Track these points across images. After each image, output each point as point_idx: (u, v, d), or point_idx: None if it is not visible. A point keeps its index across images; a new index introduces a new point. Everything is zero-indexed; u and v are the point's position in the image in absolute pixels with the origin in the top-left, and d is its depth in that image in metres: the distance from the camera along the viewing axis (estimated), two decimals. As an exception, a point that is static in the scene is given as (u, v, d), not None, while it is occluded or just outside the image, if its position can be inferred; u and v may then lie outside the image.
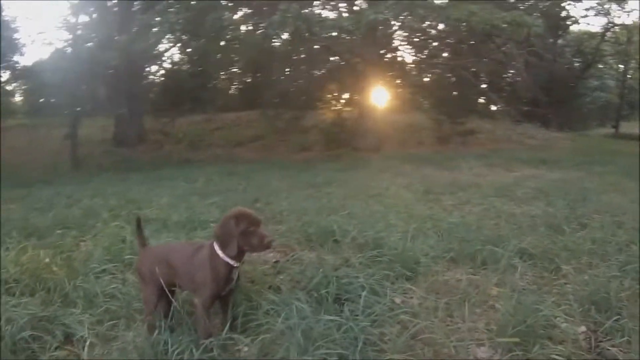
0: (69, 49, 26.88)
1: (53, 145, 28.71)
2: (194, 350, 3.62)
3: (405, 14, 21.53)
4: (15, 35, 38.58)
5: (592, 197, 9.41)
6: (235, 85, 45.18)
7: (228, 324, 3.97)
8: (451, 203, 9.29)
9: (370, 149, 23.96)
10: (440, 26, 25.89)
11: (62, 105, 28.37)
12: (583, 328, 4.01)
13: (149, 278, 4.14)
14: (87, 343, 3.95)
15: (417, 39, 28.84)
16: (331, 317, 3.85)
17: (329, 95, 31.38)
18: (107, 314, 4.52)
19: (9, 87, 46.72)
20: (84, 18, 30.73)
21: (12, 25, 38.83)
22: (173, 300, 4.15)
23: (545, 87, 33.16)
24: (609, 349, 3.73)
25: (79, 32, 27.04)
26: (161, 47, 31.50)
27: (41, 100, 34.74)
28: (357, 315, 3.99)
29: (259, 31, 21.77)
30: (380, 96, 26.60)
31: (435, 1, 22.49)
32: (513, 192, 10.27)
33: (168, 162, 23.84)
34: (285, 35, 22.94)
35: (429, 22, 25.30)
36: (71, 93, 25.35)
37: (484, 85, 30.47)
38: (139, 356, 3.67)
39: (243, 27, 24.77)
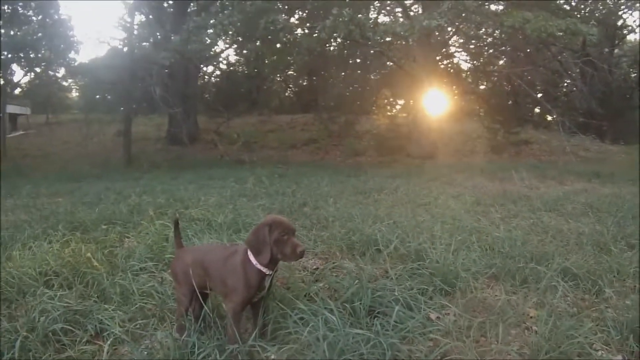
0: (125, 48, 27.19)
1: (106, 142, 29.25)
2: (218, 355, 3.63)
3: (459, 20, 21.40)
4: (72, 33, 39.39)
5: (644, 216, 9.10)
6: (290, 88, 45.30)
7: (257, 331, 3.96)
8: (499, 216, 9.05)
9: (424, 156, 23.89)
10: (496, 33, 25.71)
11: (116, 102, 28.87)
12: (620, 357, 3.87)
13: (182, 279, 4.16)
14: (109, 341, 4.00)
15: (473, 46, 28.68)
16: (360, 331, 3.77)
17: (383, 101, 31.34)
18: (140, 311, 4.60)
19: (64, 83, 47.84)
20: (139, 18, 31.27)
21: (69, 24, 39.70)
22: (204, 303, 4.17)
23: (600, 98, 32.55)
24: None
25: (135, 31, 27.35)
26: (217, 48, 31.82)
27: (97, 97, 35.28)
28: (387, 330, 3.89)
29: (314, 35, 21.70)
30: (435, 103, 26.43)
31: (490, 7, 22.27)
32: (563, 206, 10.01)
33: (220, 162, 24.14)
34: (339, 40, 22.85)
35: (484, 29, 25.23)
36: (125, 91, 25.89)
37: (539, 95, 29.99)
38: (164, 356, 3.69)
39: (298, 31, 24.80)
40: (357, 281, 4.77)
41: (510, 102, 29.32)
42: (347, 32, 18.53)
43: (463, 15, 20.31)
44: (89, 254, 5.79)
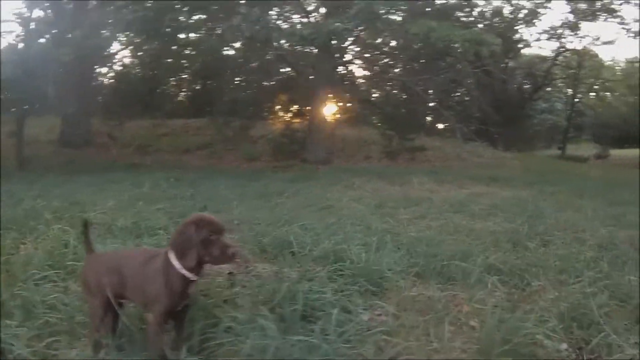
0: (21, 44, 26.23)
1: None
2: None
3: (361, 28, 21.54)
4: None
5: (550, 215, 9.36)
6: (184, 92, 44.78)
7: (184, 345, 3.59)
8: (406, 217, 9.00)
9: (320, 161, 23.79)
10: (393, 42, 26.05)
11: (11, 102, 27.80)
12: (565, 345, 3.86)
13: (95, 289, 3.72)
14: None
15: (369, 54, 28.98)
16: (302, 338, 3.50)
17: (279, 106, 31.41)
18: (47, 327, 4.07)
19: None
20: (38, 13, 30.25)
21: None
22: (121, 314, 3.75)
23: (494, 107, 33.56)
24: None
25: (32, 26, 26.41)
26: (113, 49, 31.19)
27: None
28: (327, 335, 3.63)
29: (213, 37, 21.47)
30: (330, 109, 26.65)
31: (395, 16, 22.48)
32: (468, 207, 10.11)
33: (115, 166, 23.27)
34: (239, 43, 22.73)
35: (382, 38, 25.54)
36: (20, 90, 24.78)
37: (433, 103, 30.59)
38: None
39: (196, 33, 24.61)
40: (286, 285, 4.50)
41: (404, 110, 29.63)
42: (253, 33, 18.35)
43: (370, 20, 20.33)
44: None
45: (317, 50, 23.53)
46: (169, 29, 19.67)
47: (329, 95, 25.59)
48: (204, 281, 4.85)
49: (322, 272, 5.10)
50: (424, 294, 4.84)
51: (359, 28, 22.05)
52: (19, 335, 3.83)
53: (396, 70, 30.18)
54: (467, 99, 34.64)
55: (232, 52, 30.27)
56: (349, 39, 23.96)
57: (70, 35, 21.28)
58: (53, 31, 23.83)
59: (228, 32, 18.76)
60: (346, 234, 6.77)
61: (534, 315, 4.17)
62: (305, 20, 24.73)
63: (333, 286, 4.69)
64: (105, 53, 28.67)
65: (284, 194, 12.15)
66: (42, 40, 24.84)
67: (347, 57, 27.98)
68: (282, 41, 19.88)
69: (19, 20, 27.16)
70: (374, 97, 31.87)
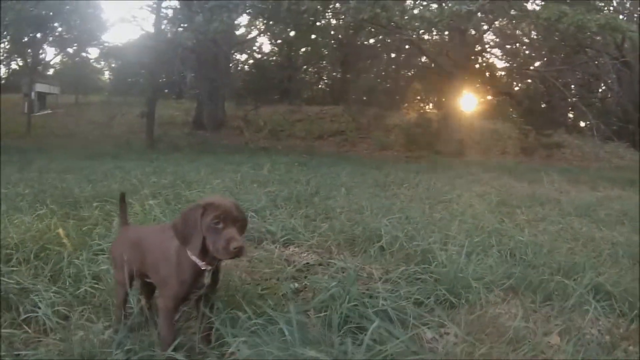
0: (153, 30, 26.98)
1: (132, 124, 29.31)
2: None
3: (493, 12, 20.79)
4: (102, 15, 39.45)
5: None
6: (323, 79, 45.06)
7: (198, 334, 3.20)
8: (525, 218, 8.18)
9: (453, 153, 23.26)
10: (533, 34, 25.01)
11: (146, 85, 28.75)
12: None
13: (120, 263, 3.44)
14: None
15: (509, 45, 28.02)
16: (318, 356, 2.85)
17: (414, 96, 30.85)
18: (86, 296, 4.01)
19: (97, 65, 48.56)
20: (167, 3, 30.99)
21: (101, 6, 39.82)
22: (130, 293, 3.49)
23: (637, 104, 31.53)
24: None
25: (162, 14, 27.09)
26: (248, 34, 31.56)
27: (129, 80, 35.41)
28: (355, 354, 2.99)
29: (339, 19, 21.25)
30: (467, 100, 25.98)
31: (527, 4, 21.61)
32: (595, 212, 9.11)
33: (245, 149, 23.80)
34: (365, 24, 22.40)
35: (519, 30, 24.64)
36: (150, 73, 25.65)
37: (574, 99, 29.15)
38: (78, 356, 2.97)
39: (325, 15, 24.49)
40: (336, 283, 3.93)
41: (543, 105, 28.39)
42: (373, 15, 17.93)
43: (496, 4, 19.52)
44: (59, 230, 5.22)
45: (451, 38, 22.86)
46: (290, 12, 19.44)
47: (465, 86, 24.83)
48: (266, 265, 4.66)
49: (400, 274, 4.49)
50: (511, 312, 4.04)
51: (488, 14, 21.29)
52: (51, 301, 3.76)
53: (536, 63, 29.05)
54: (608, 95, 32.65)
55: (371, 41, 30.09)
56: (479, 28, 23.28)
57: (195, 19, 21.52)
58: (179, 16, 24.32)
59: (348, 14, 18.35)
60: (446, 233, 6.10)
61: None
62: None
63: (404, 292, 4.05)
64: (240, 40, 29.07)
65: (403, 185, 11.69)
66: (175, 27, 25.51)
67: (486, 47, 27.25)
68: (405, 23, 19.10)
69: (149, 8, 27.92)
70: (512, 89, 30.76)
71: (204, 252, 2.97)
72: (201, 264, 3.00)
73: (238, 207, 3.06)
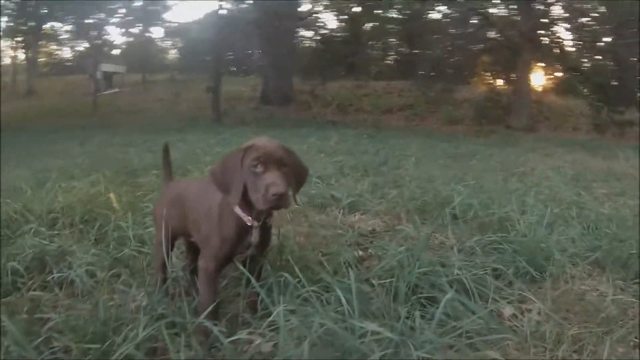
0: (220, 10, 27.11)
1: (199, 100, 29.68)
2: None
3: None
4: None
5: None
6: (390, 54, 44.74)
7: (242, 301, 2.83)
8: (603, 192, 7.65)
9: (523, 128, 23.03)
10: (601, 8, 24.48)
11: (211, 62, 29.01)
12: None
13: (160, 221, 3.09)
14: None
15: (576, 20, 27.36)
16: (377, 329, 2.35)
17: (483, 70, 30.53)
18: (128, 259, 3.79)
19: (162, 45, 49.73)
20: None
21: None
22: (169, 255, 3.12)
23: None
24: None
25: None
26: (311, 8, 31.64)
27: (195, 58, 35.89)
28: (425, 329, 2.50)
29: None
30: (537, 76, 25.44)
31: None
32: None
33: (312, 123, 23.63)
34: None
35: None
36: (218, 50, 26.11)
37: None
38: (102, 321, 2.60)
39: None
40: (402, 248, 3.43)
41: (615, 81, 27.47)
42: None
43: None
44: (111, 195, 5.12)
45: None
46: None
47: (536, 61, 24.78)
48: (332, 233, 4.29)
49: (475, 243, 4.04)
50: (597, 290, 3.51)
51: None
52: (89, 264, 3.56)
53: (607, 38, 28.21)
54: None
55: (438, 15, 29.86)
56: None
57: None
58: None
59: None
60: (523, 203, 5.62)
61: None
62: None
63: (479, 261, 3.63)
64: (306, 17, 29.23)
65: (474, 157, 11.36)
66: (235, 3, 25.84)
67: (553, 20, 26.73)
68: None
69: None
70: (582, 65, 29.96)
71: (249, 205, 2.55)
72: (247, 219, 2.59)
73: (285, 149, 2.61)
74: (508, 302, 3.16)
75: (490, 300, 3.09)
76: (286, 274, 2.88)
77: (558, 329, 2.82)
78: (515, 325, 2.92)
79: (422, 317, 2.63)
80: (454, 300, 2.76)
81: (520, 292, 3.28)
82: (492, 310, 3.00)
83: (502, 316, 3.01)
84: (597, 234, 4.65)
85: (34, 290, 3.27)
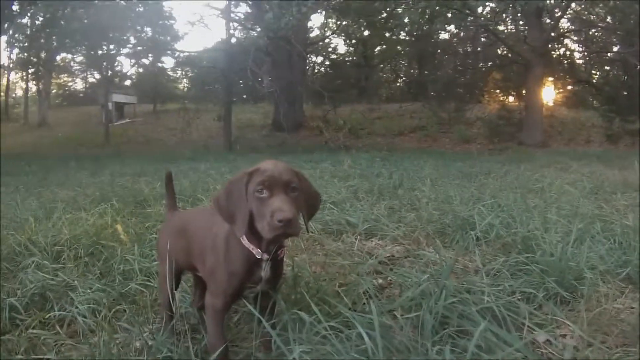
0: (231, 38, 27.35)
1: (210, 128, 29.99)
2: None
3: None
4: (174, 25, 40.50)
5: None
6: (400, 77, 45.01)
7: (255, 341, 2.58)
8: (625, 203, 7.35)
9: (537, 144, 23.12)
10: (608, 19, 25.31)
11: (221, 90, 29.33)
12: None
13: (164, 254, 2.87)
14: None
15: (585, 30, 27.50)
16: None
17: (494, 87, 31.20)
18: (132, 294, 3.63)
19: (173, 75, 50.17)
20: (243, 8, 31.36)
21: (172, 14, 40.91)
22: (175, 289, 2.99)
23: None
24: None
25: (232, 17, 27.58)
26: (320, 32, 31.96)
27: (206, 88, 36.08)
28: None
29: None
30: (547, 90, 25.57)
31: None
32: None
33: (324, 148, 23.66)
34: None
35: (594, 13, 24.25)
36: (225, 76, 26.67)
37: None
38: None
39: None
40: (427, 277, 3.25)
41: (625, 91, 27.40)
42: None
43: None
44: (117, 226, 5.04)
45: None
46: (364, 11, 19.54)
47: (545, 75, 24.79)
48: (350, 262, 4.09)
49: (501, 265, 3.83)
50: (632, 307, 3.29)
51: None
52: (92, 301, 3.45)
53: (615, 48, 28.41)
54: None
55: (446, 35, 30.73)
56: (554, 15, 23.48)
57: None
58: (248, 11, 24.76)
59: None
60: (545, 219, 5.39)
61: None
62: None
63: (507, 285, 3.41)
64: (315, 42, 29.51)
65: (490, 175, 11.20)
66: (244, 29, 26.08)
67: (562, 32, 27.29)
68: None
69: (219, 13, 28.68)
70: (592, 76, 30.06)
71: (258, 236, 2.32)
72: (256, 252, 2.37)
73: (294, 172, 2.38)
74: (541, 328, 2.92)
75: (525, 328, 2.86)
76: (301, 313, 2.64)
77: (599, 355, 2.60)
78: (551, 353, 2.69)
79: (452, 351, 2.41)
80: (486, 331, 2.51)
81: (552, 316, 3.05)
82: (526, 337, 2.74)
83: (536, 343, 2.77)
84: (625, 248, 4.43)
85: (33, 328, 3.13)
